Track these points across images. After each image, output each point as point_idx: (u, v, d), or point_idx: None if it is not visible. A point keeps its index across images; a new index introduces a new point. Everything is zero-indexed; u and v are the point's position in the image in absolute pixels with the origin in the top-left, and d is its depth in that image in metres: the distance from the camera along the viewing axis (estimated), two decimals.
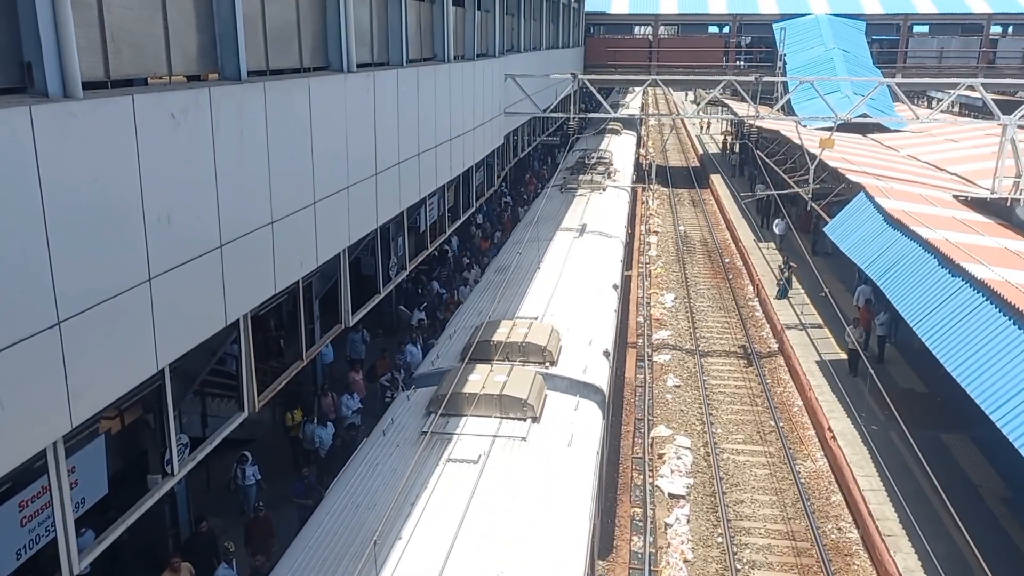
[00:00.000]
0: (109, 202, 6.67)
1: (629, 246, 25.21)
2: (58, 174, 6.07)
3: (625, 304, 21.82)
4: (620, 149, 33.43)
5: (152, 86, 7.85)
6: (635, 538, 14.39)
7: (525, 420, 9.84)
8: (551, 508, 8.40)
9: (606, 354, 12.81)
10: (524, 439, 9.50)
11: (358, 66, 12.19)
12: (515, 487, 8.59)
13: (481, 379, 10.31)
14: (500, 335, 11.82)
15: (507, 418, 9.84)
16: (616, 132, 37.75)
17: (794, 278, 26.34)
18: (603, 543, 13.57)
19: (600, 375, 11.83)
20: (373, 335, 18.76)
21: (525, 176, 39.34)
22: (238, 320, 9.21)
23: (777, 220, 30.05)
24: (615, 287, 16.19)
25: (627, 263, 21.55)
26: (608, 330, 13.85)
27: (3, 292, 5.64)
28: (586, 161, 27.75)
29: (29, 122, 5.77)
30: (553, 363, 11.61)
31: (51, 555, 6.94)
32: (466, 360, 11.01)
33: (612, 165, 27.97)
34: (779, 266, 27.29)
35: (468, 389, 10.07)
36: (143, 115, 6.96)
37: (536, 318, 13.05)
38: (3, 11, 5.95)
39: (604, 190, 24.26)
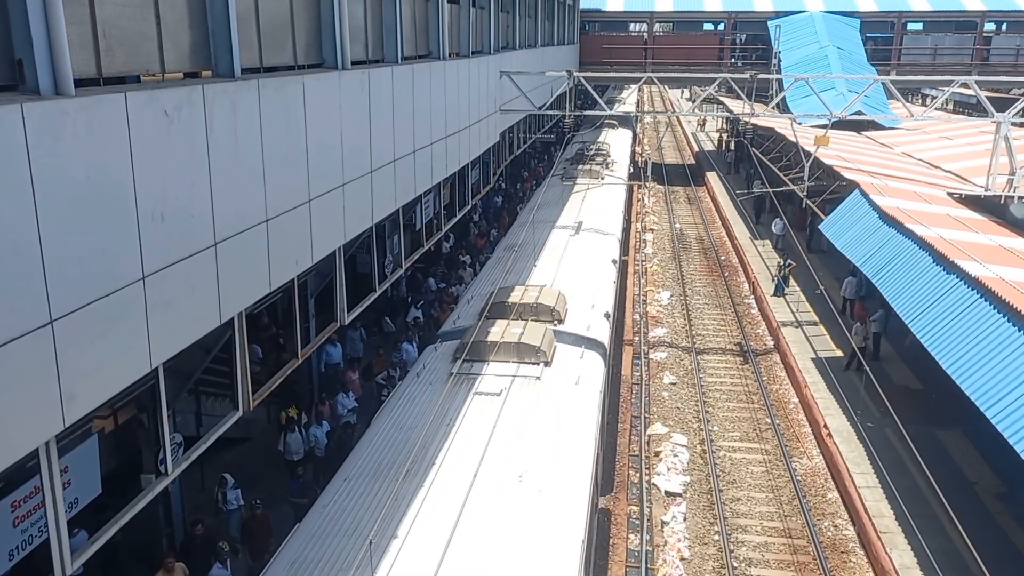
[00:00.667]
0: (102, 200, 6.63)
1: (626, 231, 26.76)
2: (50, 172, 6.02)
3: (623, 284, 23.02)
4: (617, 142, 34.38)
5: (145, 83, 7.80)
6: (632, 536, 14.38)
7: (539, 364, 11.26)
8: (563, 430, 9.86)
9: (606, 316, 14.34)
10: (538, 378, 10.94)
11: (353, 63, 12.14)
12: (532, 415, 10.05)
13: (499, 331, 11.76)
14: (514, 297, 13.19)
15: (523, 362, 11.26)
16: (613, 126, 37.95)
17: (790, 276, 26.36)
18: (605, 481, 15.06)
19: (602, 332, 13.39)
20: (369, 333, 18.71)
21: (523, 173, 39.25)
22: (233, 318, 9.17)
23: (776, 220, 30.00)
24: (614, 262, 17.81)
25: (625, 244, 23.40)
26: (608, 296, 15.40)
27: None
28: (585, 152, 28.81)
29: (20, 120, 5.73)
30: (561, 321, 13.05)
31: (44, 555, 6.90)
32: (484, 317, 12.36)
33: (610, 156, 29.03)
34: (777, 263, 27.30)
35: (489, 339, 11.54)
36: (136, 113, 6.92)
37: (545, 285, 14.25)
38: None
39: (602, 179, 25.54)
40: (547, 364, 11.29)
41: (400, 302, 20.57)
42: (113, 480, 8.12)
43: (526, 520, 7.98)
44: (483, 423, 9.70)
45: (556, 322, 12.88)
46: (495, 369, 11.07)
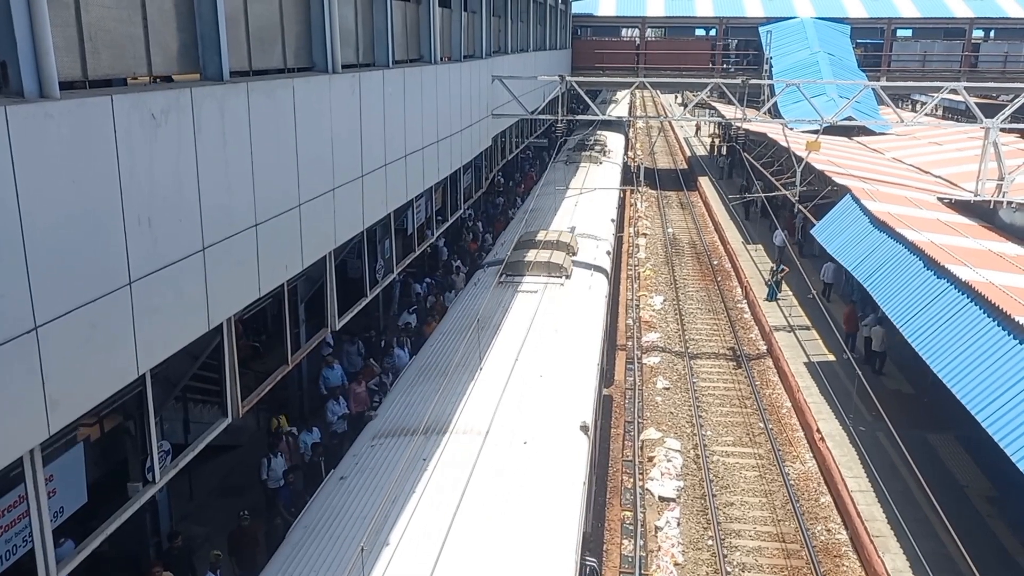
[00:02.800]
0: (88, 204, 6.54)
1: (622, 205, 32.48)
2: (34, 176, 5.94)
3: (619, 238, 27.64)
4: (612, 137, 37.78)
5: (132, 86, 7.72)
6: (625, 541, 14.33)
7: (562, 277, 15.49)
8: (581, 311, 14.37)
9: (607, 252, 18.97)
10: (562, 285, 15.23)
11: (343, 67, 12.08)
12: (560, 302, 14.43)
13: (531, 256, 16.00)
14: (539, 237, 17.36)
15: (551, 276, 15.45)
16: (608, 124, 39.02)
17: (783, 280, 26.38)
18: (607, 377, 19.66)
19: (605, 262, 17.93)
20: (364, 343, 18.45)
21: (516, 176, 39.12)
22: (221, 324, 9.08)
23: (776, 232, 29.67)
24: (612, 220, 22.72)
25: (621, 211, 29.38)
26: (609, 240, 20.15)
27: None
28: (585, 143, 33.54)
29: (4, 123, 5.64)
30: (575, 253, 17.20)
31: (30, 566, 6.79)
32: (516, 248, 16.63)
33: (607, 146, 33.77)
34: (771, 268, 27.32)
35: (524, 260, 15.85)
36: (122, 116, 6.84)
37: (561, 230, 18.36)
38: None
39: (600, 163, 30.44)
40: (567, 277, 15.56)
41: (377, 347, 18.40)
42: (100, 489, 8.00)
43: (563, 353, 12.37)
44: (528, 305, 14.09)
45: (571, 253, 16.95)
46: (530, 279, 15.31)
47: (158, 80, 8.34)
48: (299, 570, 7.52)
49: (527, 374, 11.38)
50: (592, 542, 12.71)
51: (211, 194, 8.28)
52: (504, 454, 9.27)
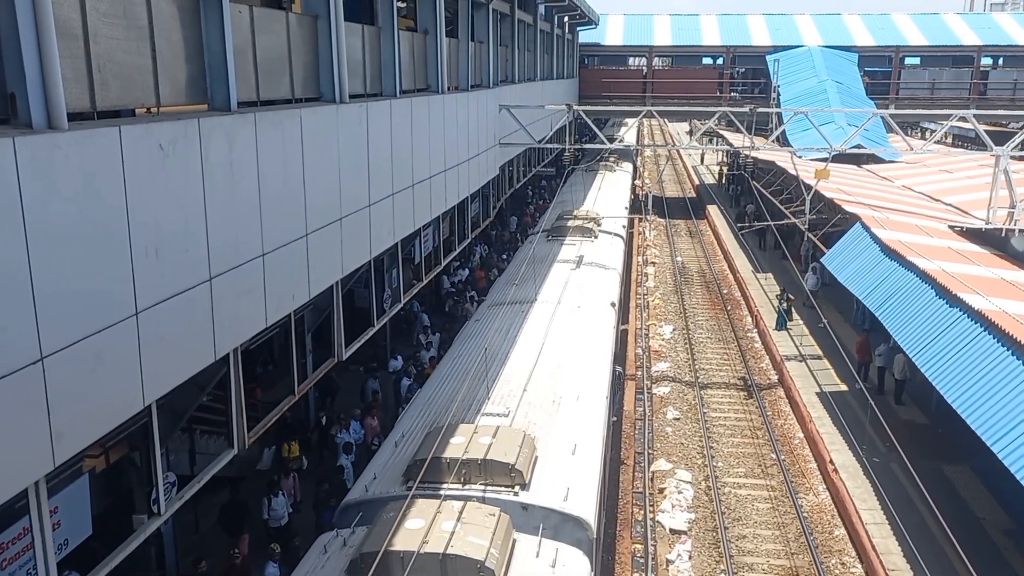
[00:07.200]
0: (95, 235, 6.55)
1: (633, 201, 38.98)
2: (42, 207, 5.95)
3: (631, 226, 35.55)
4: (623, 157, 42.87)
5: (140, 117, 7.76)
6: (636, 575, 14.08)
7: (591, 237, 22.16)
8: (607, 254, 21.09)
9: (623, 227, 25.90)
10: (592, 242, 21.82)
11: (351, 97, 12.16)
12: (592, 252, 20.72)
13: (569, 225, 22.78)
14: (573, 215, 24.11)
15: (584, 236, 22.04)
16: (617, 149, 40.62)
17: (793, 309, 26.18)
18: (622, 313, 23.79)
19: (621, 231, 24.88)
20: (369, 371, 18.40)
21: (529, 208, 39.24)
22: (228, 354, 9.05)
23: (808, 274, 28.57)
24: (625, 208, 30.22)
25: (631, 206, 35.53)
26: (623, 220, 27.19)
27: None
28: (602, 157, 39.75)
29: (12, 154, 5.67)
30: (599, 224, 23.84)
31: None
32: (558, 220, 23.69)
33: (620, 160, 40.63)
34: (777, 295, 27.11)
35: (566, 226, 22.68)
36: (130, 146, 6.87)
37: (588, 210, 25.31)
38: None
39: (615, 170, 37.87)
40: (595, 238, 22.23)
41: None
42: (104, 520, 7.92)
43: (596, 272, 19.02)
44: (570, 251, 20.52)
45: (597, 223, 23.64)
46: (569, 239, 21.76)
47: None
48: (469, 350, 13.47)
49: (577, 279, 18.02)
50: (619, 358, 19.62)
51: (218, 224, 8.29)
52: (567, 313, 15.65)
